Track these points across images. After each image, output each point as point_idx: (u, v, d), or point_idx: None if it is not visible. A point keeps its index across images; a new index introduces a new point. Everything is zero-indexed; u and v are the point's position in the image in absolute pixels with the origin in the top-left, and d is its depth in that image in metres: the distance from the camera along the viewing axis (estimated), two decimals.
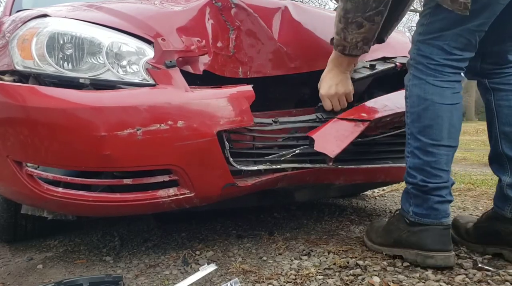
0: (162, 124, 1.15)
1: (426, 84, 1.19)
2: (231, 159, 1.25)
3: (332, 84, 1.38)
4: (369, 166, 1.49)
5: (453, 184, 1.23)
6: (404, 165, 1.54)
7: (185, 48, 1.28)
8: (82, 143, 1.14)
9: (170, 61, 1.23)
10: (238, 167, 1.27)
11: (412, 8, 17.34)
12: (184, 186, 1.24)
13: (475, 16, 1.13)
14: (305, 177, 1.41)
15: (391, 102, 1.42)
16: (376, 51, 1.59)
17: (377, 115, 1.35)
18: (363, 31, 1.22)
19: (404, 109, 1.32)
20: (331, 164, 1.34)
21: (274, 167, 1.34)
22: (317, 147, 1.28)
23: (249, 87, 1.28)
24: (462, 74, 1.23)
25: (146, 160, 1.18)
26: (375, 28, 1.24)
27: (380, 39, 1.48)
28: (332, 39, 1.34)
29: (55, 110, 1.14)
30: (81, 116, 1.14)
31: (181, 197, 1.25)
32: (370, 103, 1.42)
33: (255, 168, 1.32)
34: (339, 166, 1.43)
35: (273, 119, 1.36)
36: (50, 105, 1.15)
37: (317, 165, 1.39)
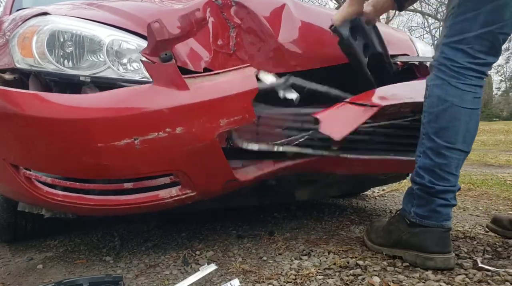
0: (160, 132, 1.10)
1: (448, 86, 1.18)
2: (234, 134, 1.23)
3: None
4: (371, 157, 1.48)
5: (459, 189, 1.23)
6: (405, 157, 1.54)
7: (180, 34, 1.13)
8: (78, 154, 1.12)
9: (166, 54, 1.12)
10: (239, 145, 1.25)
11: (412, 8, 17.33)
12: (185, 186, 1.24)
13: (496, 17, 1.13)
14: (306, 166, 1.40)
15: (400, 92, 1.40)
16: None
17: (387, 103, 1.31)
18: None
19: (412, 100, 1.31)
20: (335, 148, 1.32)
21: (275, 149, 1.31)
22: (322, 129, 1.23)
23: (252, 77, 1.21)
24: (484, 79, 1.22)
25: (146, 168, 1.16)
26: None
27: (400, 5, 1.45)
28: None
29: (50, 120, 1.10)
30: (77, 128, 1.10)
31: (183, 196, 1.24)
32: (379, 90, 1.40)
33: (256, 148, 1.29)
34: (341, 155, 1.42)
35: (285, 78, 1.29)
36: (46, 114, 1.10)
37: (319, 152, 1.38)
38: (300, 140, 1.34)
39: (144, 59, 1.14)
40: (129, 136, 1.09)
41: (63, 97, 1.14)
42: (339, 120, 1.27)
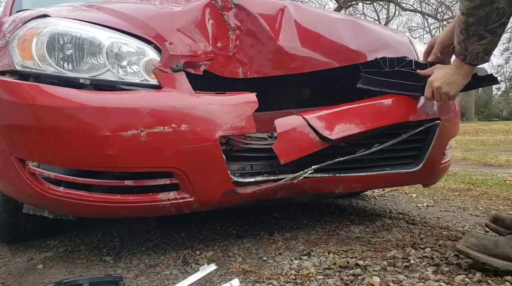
0: (166, 127, 1.16)
1: None
2: (229, 173, 1.26)
3: (443, 79, 1.35)
4: (368, 173, 1.48)
5: None
6: (403, 171, 1.53)
7: (191, 53, 1.29)
8: (86, 142, 1.15)
9: (177, 66, 1.24)
10: (235, 179, 1.28)
11: (412, 8, 17.34)
12: (184, 190, 1.24)
13: None
14: (304, 186, 1.41)
15: (359, 118, 1.41)
16: (377, 51, 1.59)
17: (339, 136, 1.36)
18: (484, 42, 1.18)
19: (362, 129, 1.36)
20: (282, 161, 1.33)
21: (271, 178, 1.35)
22: (274, 146, 1.31)
23: (253, 95, 1.29)
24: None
25: (148, 161, 1.18)
26: (497, 39, 1.20)
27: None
28: (453, 46, 1.31)
29: (60, 109, 1.15)
30: (86, 116, 1.14)
31: (181, 201, 1.25)
32: (340, 113, 1.41)
33: (252, 180, 1.33)
34: (337, 174, 1.43)
35: (268, 134, 1.37)
36: (55, 104, 1.15)
37: (315, 175, 1.39)
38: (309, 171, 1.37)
39: (156, 71, 1.24)
40: (136, 128, 1.13)
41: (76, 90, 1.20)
42: (292, 143, 1.32)
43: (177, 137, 1.17)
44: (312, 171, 1.36)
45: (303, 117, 1.35)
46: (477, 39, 1.18)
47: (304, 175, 1.37)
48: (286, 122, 1.34)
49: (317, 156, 1.38)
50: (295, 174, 1.35)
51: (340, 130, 1.36)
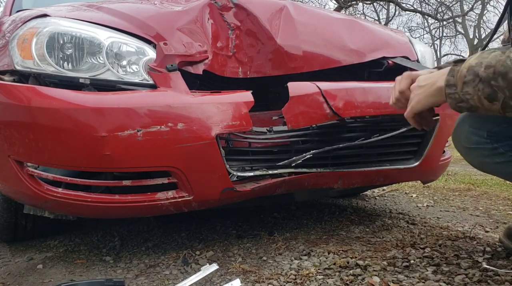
0: (163, 126, 1.16)
1: None
2: (227, 166, 1.25)
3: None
4: (367, 169, 1.48)
5: None
6: (402, 166, 1.53)
7: (186, 53, 1.29)
8: (82, 143, 1.15)
9: (172, 65, 1.24)
10: (234, 172, 1.28)
11: (412, 8, 17.34)
12: (183, 189, 1.24)
13: None
14: (304, 182, 1.41)
15: (369, 99, 1.39)
16: (376, 51, 1.59)
17: (348, 115, 1.35)
18: (486, 103, 0.87)
19: (376, 112, 1.36)
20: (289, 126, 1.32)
21: (270, 172, 1.34)
22: (284, 110, 1.29)
23: (248, 93, 1.29)
24: None
25: (146, 161, 1.18)
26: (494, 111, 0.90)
27: None
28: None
29: (56, 110, 1.15)
30: (82, 117, 1.14)
31: (179, 200, 1.25)
32: (354, 91, 1.39)
33: (251, 174, 1.32)
34: (336, 170, 1.42)
35: (268, 128, 1.36)
36: (51, 105, 1.15)
37: (314, 170, 1.39)
38: (297, 162, 1.35)
39: (151, 71, 1.24)
40: (132, 128, 1.13)
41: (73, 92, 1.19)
42: (303, 110, 1.30)
43: (174, 137, 1.17)
44: (311, 155, 1.35)
45: (317, 86, 1.33)
46: (488, 94, 0.86)
47: (304, 170, 1.36)
48: (300, 87, 1.32)
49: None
50: (293, 158, 1.34)
51: (352, 109, 1.35)
